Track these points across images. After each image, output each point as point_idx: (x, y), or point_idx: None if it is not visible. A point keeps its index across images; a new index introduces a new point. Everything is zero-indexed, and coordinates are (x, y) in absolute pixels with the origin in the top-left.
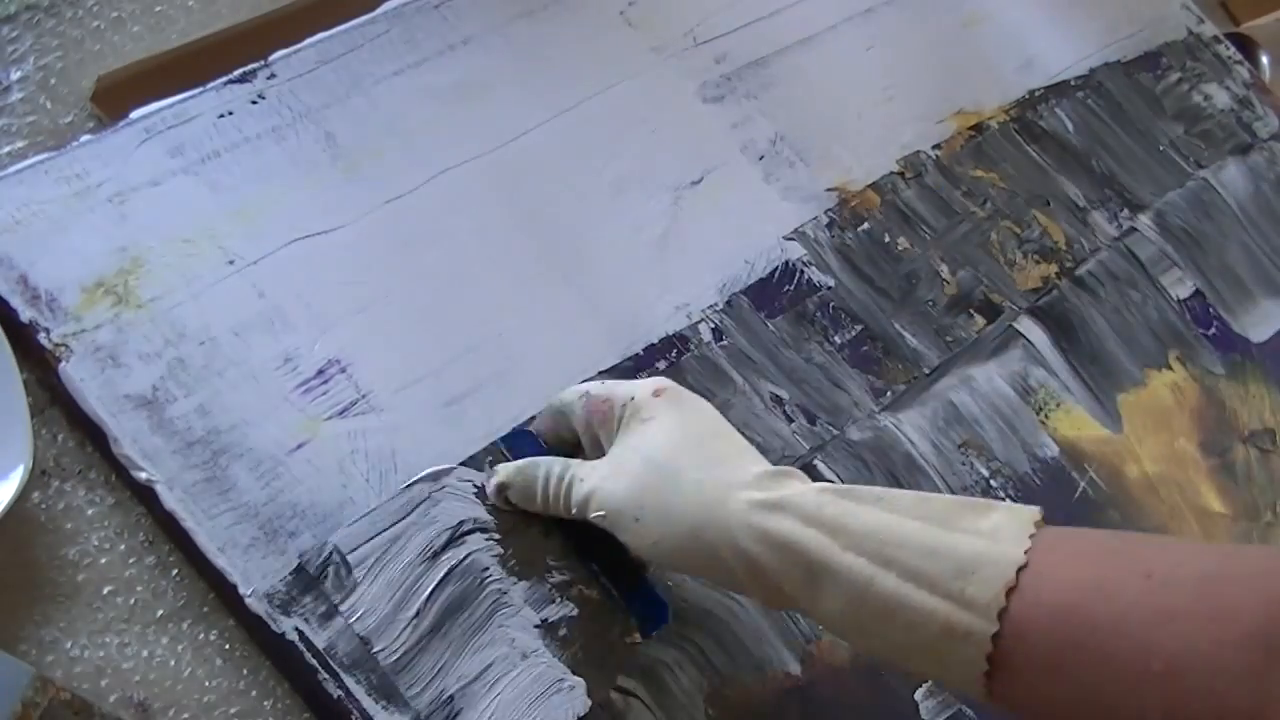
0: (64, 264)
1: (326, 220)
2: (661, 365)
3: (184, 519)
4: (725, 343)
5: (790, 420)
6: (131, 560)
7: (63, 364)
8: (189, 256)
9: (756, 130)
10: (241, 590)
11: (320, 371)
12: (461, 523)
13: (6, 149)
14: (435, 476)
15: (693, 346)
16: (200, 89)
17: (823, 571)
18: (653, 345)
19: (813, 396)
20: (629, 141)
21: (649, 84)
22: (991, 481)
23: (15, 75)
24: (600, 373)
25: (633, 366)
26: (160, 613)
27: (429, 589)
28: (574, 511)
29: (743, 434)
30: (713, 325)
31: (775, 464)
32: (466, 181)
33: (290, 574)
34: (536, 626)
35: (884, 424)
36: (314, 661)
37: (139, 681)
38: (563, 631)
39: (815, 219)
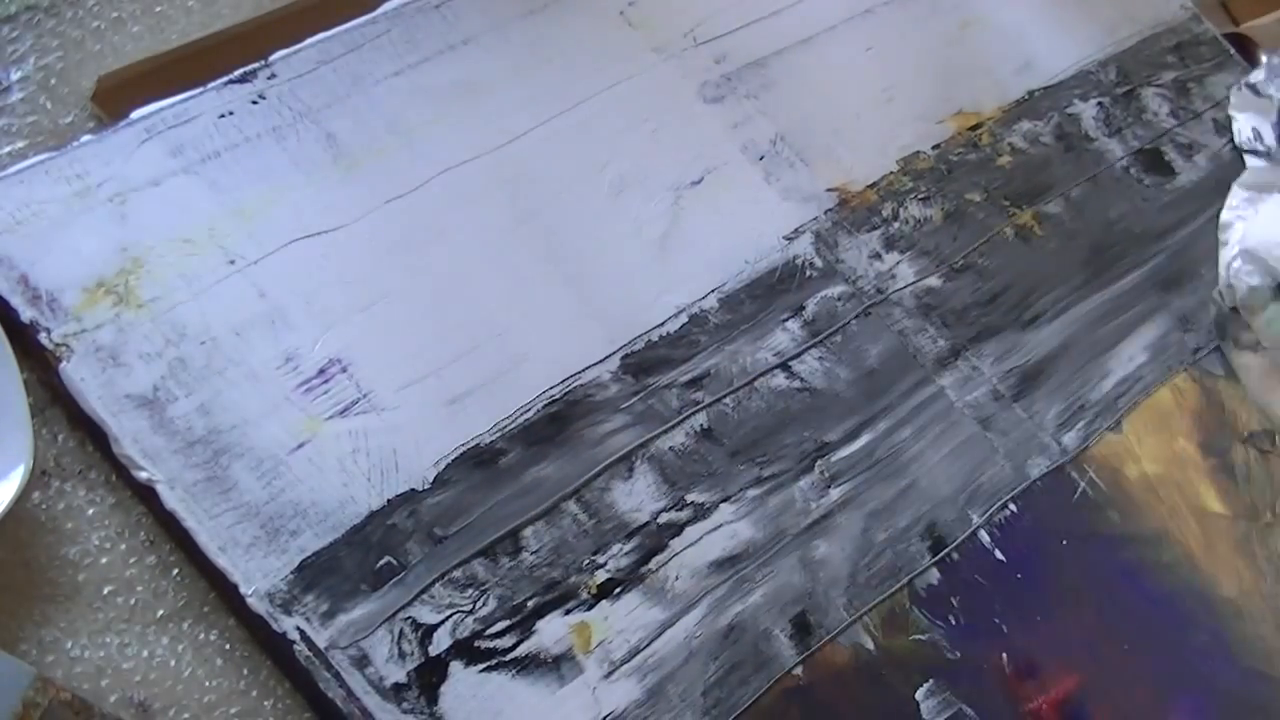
0: (64, 264)
1: (327, 220)
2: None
3: (185, 519)
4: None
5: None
6: (132, 560)
7: (63, 364)
8: (189, 256)
9: (756, 130)
10: (242, 590)
11: (321, 371)
12: None
13: (6, 149)
14: None
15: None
16: (200, 89)
17: None
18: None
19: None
20: (629, 141)
21: (649, 84)
22: None
23: (15, 75)
24: (593, 365)
25: (634, 363)
26: (160, 613)
27: None
28: None
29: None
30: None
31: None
32: (466, 181)
33: (291, 573)
34: None
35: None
36: (315, 661)
37: (139, 681)
38: None
39: (815, 219)
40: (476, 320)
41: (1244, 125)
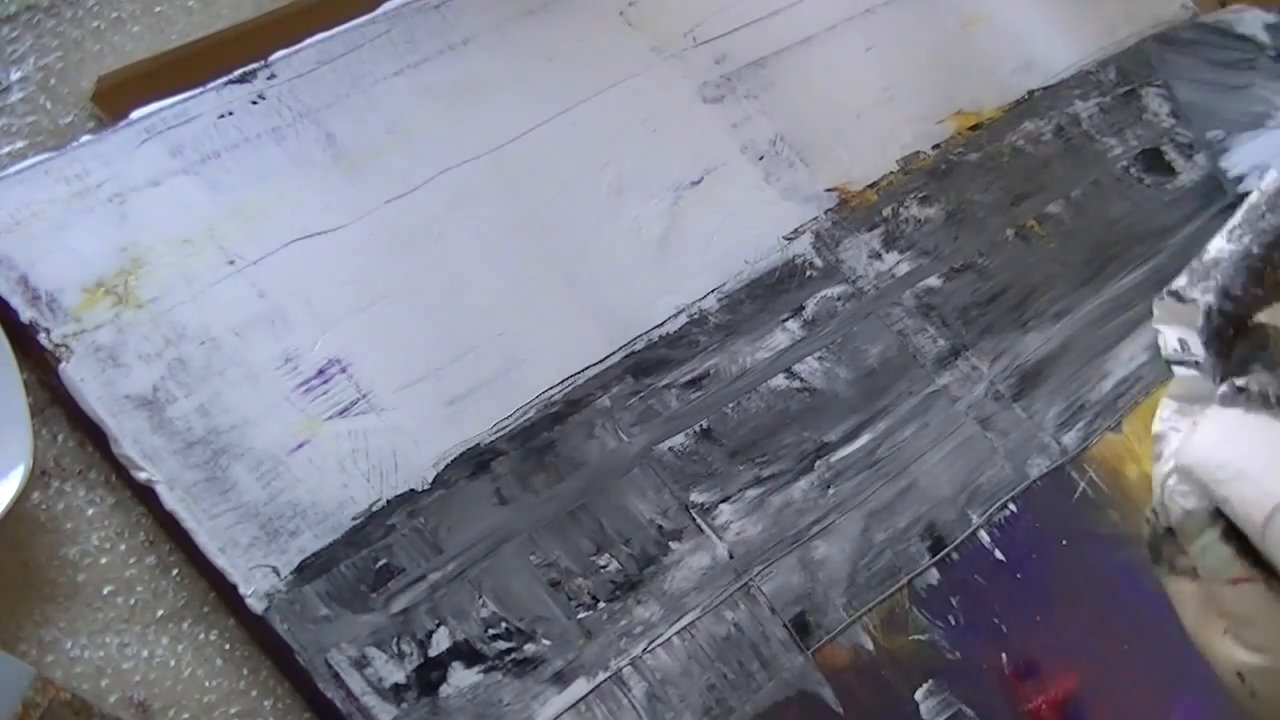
0: (64, 264)
1: (327, 220)
2: None
3: (184, 519)
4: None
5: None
6: (131, 560)
7: (63, 364)
8: (189, 256)
9: (756, 130)
10: (242, 590)
11: (321, 371)
12: None
13: (6, 149)
14: None
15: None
16: (200, 89)
17: None
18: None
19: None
20: (629, 141)
21: (649, 84)
22: None
23: (15, 75)
24: (593, 365)
25: (634, 364)
26: (160, 613)
27: None
28: None
29: None
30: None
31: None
32: (466, 181)
33: (291, 573)
34: None
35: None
36: (314, 661)
37: (139, 681)
38: None
39: (815, 219)
40: (476, 320)
41: (1169, 337)
